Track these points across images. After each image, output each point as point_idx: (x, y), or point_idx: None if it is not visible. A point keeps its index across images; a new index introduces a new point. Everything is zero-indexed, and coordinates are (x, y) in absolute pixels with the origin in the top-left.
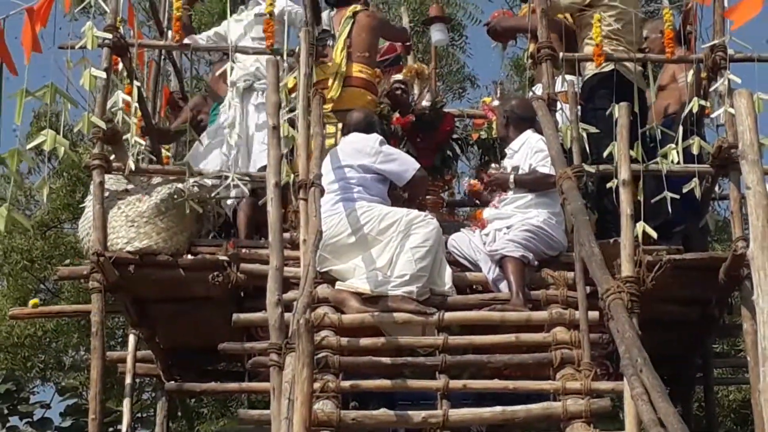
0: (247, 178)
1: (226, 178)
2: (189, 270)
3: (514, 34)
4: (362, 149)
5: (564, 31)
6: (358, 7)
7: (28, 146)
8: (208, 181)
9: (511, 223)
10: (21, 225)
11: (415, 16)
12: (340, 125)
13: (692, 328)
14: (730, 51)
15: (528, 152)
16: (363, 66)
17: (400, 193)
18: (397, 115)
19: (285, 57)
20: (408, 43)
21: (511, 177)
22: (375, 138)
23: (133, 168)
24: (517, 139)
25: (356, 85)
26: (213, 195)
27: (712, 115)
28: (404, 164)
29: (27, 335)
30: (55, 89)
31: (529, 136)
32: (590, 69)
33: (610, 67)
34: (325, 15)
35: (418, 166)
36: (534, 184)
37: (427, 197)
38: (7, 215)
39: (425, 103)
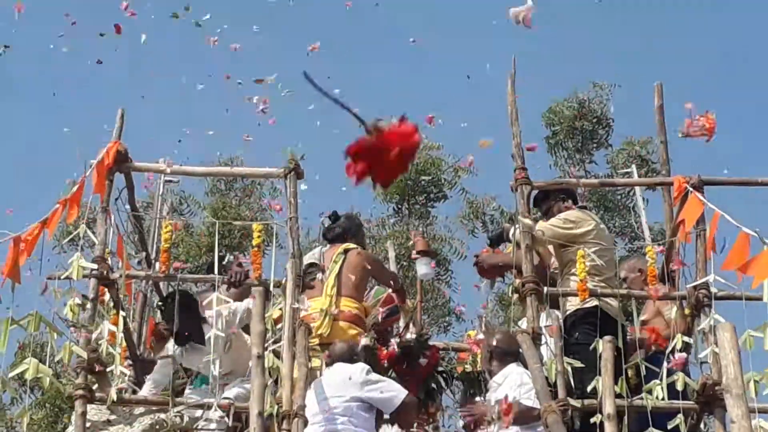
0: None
1: (209, 408)
2: None
3: (501, 271)
4: (348, 378)
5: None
6: (351, 245)
7: (10, 374)
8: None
9: None
10: None
11: (401, 251)
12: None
13: None
14: (714, 290)
15: (512, 385)
16: (351, 300)
17: None
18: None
19: (271, 288)
20: (400, 290)
21: (496, 409)
22: (361, 367)
23: (115, 398)
24: (500, 372)
25: (344, 319)
26: (195, 426)
27: (699, 355)
28: (392, 390)
29: None
30: (40, 318)
31: (513, 369)
32: (572, 304)
33: (593, 302)
34: (317, 250)
35: (406, 392)
36: (519, 417)
37: (412, 430)
38: None
39: (410, 335)
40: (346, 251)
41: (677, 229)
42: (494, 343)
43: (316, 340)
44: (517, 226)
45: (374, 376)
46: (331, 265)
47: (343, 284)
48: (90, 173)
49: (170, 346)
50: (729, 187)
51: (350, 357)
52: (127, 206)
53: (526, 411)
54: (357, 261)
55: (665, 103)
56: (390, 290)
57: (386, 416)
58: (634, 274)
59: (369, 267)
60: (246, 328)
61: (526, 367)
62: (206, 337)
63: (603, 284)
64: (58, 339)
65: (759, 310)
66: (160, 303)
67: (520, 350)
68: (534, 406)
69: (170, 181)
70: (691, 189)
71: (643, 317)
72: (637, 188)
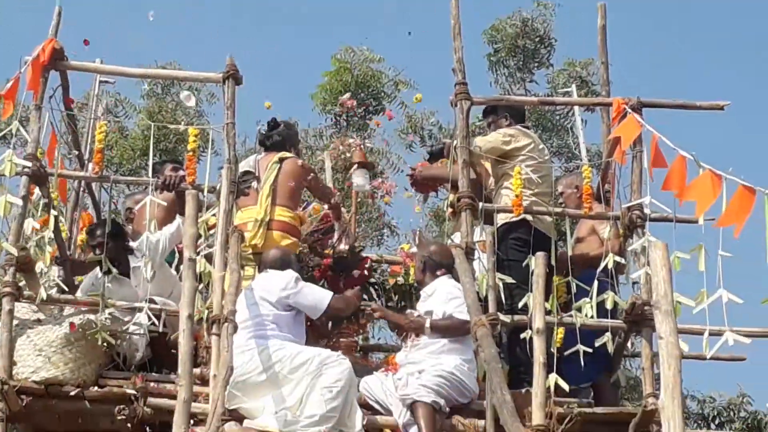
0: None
1: (140, 310)
2: (95, 402)
3: (435, 184)
4: (277, 285)
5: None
6: (286, 153)
7: None
8: (120, 314)
9: (423, 368)
10: None
11: (338, 162)
12: (258, 268)
13: None
14: (648, 211)
15: (443, 298)
16: (285, 209)
17: (323, 330)
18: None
19: (205, 193)
20: (335, 206)
21: (428, 322)
22: (291, 274)
23: (44, 297)
24: (431, 284)
25: (277, 228)
26: (125, 328)
27: (632, 275)
28: (318, 295)
29: None
30: None
31: (443, 282)
32: (501, 218)
33: (521, 216)
34: (252, 158)
35: (332, 294)
36: (450, 329)
37: (341, 340)
38: None
39: (343, 246)
40: (281, 160)
41: (614, 149)
42: (427, 254)
43: (249, 250)
44: (454, 141)
45: (302, 283)
46: (267, 174)
47: (278, 193)
48: (25, 70)
49: (94, 277)
50: (668, 111)
51: (282, 265)
52: (62, 105)
53: (458, 324)
54: (293, 170)
55: (608, 23)
56: (326, 206)
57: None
58: (570, 190)
59: (305, 176)
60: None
61: (458, 280)
62: (132, 267)
63: (535, 198)
64: None
65: (692, 233)
66: (88, 230)
67: (453, 264)
68: (466, 319)
69: (106, 81)
70: (629, 110)
71: (577, 235)
72: (576, 108)
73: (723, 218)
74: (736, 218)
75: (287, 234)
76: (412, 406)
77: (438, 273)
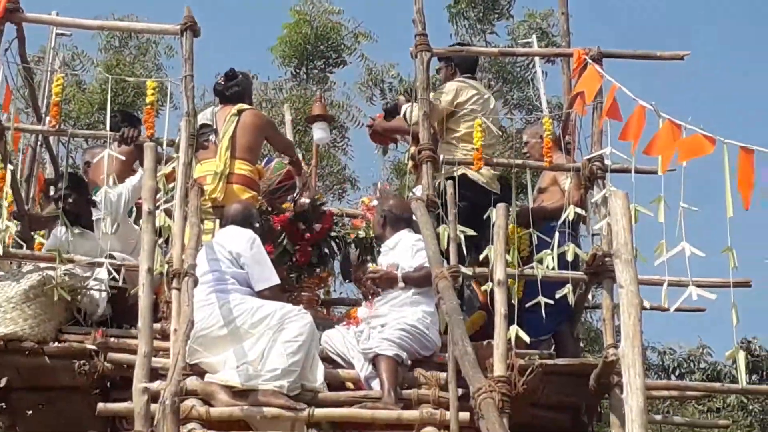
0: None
1: (99, 265)
2: (55, 358)
3: (394, 136)
4: (236, 243)
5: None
6: (244, 105)
7: None
8: (80, 270)
9: (385, 322)
10: None
11: (298, 115)
12: (218, 222)
13: None
14: (608, 162)
15: (409, 252)
16: (244, 163)
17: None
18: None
19: (164, 146)
20: (296, 161)
21: (400, 274)
22: (249, 236)
23: (1, 253)
24: (392, 237)
25: (237, 182)
26: (84, 284)
27: (594, 226)
28: (262, 274)
29: None
30: None
31: (404, 235)
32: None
33: (460, 171)
34: (209, 111)
35: (274, 283)
36: (424, 280)
37: (303, 294)
38: None
39: (304, 200)
40: (240, 111)
41: (574, 100)
42: (387, 208)
43: (209, 203)
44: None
45: (257, 250)
46: (225, 126)
47: (237, 146)
48: None
49: (58, 232)
50: (627, 61)
51: (243, 220)
52: (18, 58)
53: (428, 275)
54: (252, 122)
55: None
56: (286, 162)
57: None
58: (534, 139)
59: (264, 128)
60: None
61: (418, 233)
62: (94, 220)
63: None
64: None
65: (652, 184)
66: (49, 182)
67: (413, 217)
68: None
69: (62, 34)
70: (590, 61)
71: (539, 185)
72: (536, 60)
73: (649, 147)
74: (661, 151)
75: (247, 188)
76: (374, 360)
77: (398, 227)
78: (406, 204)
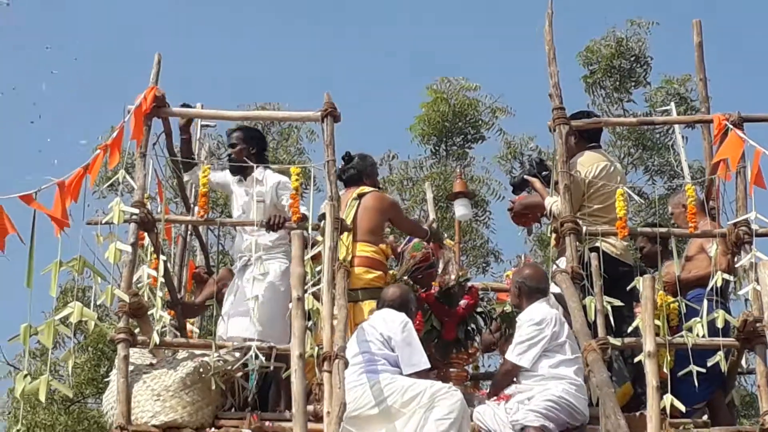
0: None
1: (249, 349)
2: None
3: (534, 214)
4: (388, 326)
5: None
6: (366, 188)
7: (55, 317)
8: (232, 356)
9: (532, 395)
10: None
11: (440, 192)
12: None
13: None
14: (754, 226)
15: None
16: (366, 245)
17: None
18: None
19: (310, 231)
20: (430, 238)
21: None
22: (402, 319)
23: (157, 342)
24: (527, 309)
25: (359, 264)
26: (235, 367)
27: (740, 292)
28: (412, 358)
29: None
30: (84, 262)
31: (535, 306)
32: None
33: (594, 243)
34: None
35: (423, 368)
36: (497, 386)
37: (451, 370)
38: (47, 381)
39: (449, 277)
40: (360, 195)
41: (717, 166)
42: (521, 279)
43: None
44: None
45: (407, 335)
46: (347, 211)
47: (359, 229)
48: (128, 119)
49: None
50: None
51: (401, 305)
52: (166, 152)
53: (499, 378)
54: (373, 205)
55: (704, 39)
56: (423, 242)
57: None
58: (678, 209)
59: (386, 211)
60: None
61: (564, 306)
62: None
63: (607, 225)
64: (101, 283)
65: None
66: None
67: (548, 287)
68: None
69: (207, 125)
70: (730, 126)
71: (687, 254)
72: (676, 126)
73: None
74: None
75: (369, 268)
76: None
77: (533, 298)
78: (540, 273)
